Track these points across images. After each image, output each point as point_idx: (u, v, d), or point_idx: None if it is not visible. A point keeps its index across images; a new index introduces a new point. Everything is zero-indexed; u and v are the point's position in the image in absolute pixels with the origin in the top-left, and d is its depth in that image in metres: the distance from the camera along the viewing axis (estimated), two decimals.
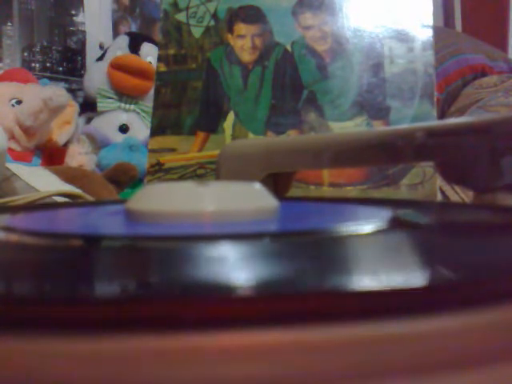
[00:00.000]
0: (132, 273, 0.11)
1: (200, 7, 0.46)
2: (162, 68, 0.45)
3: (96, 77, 1.01)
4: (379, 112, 0.41)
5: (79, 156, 0.90)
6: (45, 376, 0.08)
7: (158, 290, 0.09)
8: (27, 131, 0.84)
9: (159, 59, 0.45)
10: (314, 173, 0.40)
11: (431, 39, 0.41)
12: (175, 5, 0.46)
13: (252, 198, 0.17)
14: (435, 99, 0.40)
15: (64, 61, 1.15)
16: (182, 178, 0.43)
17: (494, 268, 0.11)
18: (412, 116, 0.40)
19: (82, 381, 0.08)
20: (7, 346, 0.09)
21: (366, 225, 0.15)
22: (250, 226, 0.15)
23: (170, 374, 0.08)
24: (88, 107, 1.02)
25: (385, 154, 0.26)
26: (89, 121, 1.02)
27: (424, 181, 0.39)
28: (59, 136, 0.91)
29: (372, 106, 0.41)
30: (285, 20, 0.44)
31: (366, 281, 0.10)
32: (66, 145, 0.93)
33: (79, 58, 1.17)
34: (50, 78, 1.07)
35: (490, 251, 0.13)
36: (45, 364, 0.08)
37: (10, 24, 1.09)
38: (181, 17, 0.46)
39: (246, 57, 0.44)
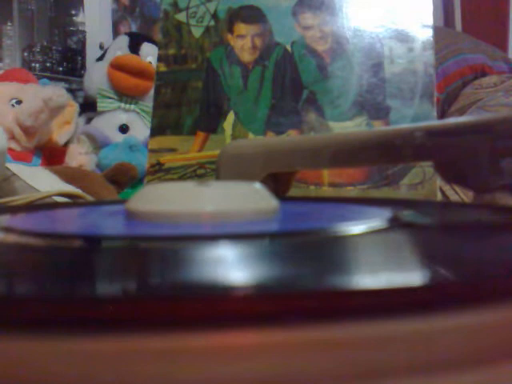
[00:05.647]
0: (132, 273, 0.11)
1: (200, 7, 0.46)
2: (162, 68, 0.45)
3: (96, 77, 1.01)
4: (379, 112, 0.41)
5: (79, 156, 0.90)
6: (45, 375, 0.08)
7: (157, 289, 0.09)
8: (27, 131, 0.84)
9: (159, 59, 0.45)
10: (313, 173, 0.40)
11: (431, 39, 0.41)
12: (175, 5, 0.46)
13: (252, 198, 0.17)
14: (435, 99, 0.40)
15: (64, 61, 1.15)
16: (181, 178, 0.43)
17: (494, 268, 0.11)
18: (412, 116, 0.40)
19: (82, 380, 0.08)
20: (7, 345, 0.09)
21: (365, 224, 0.15)
22: (250, 226, 0.15)
23: (169, 373, 0.08)
24: (88, 107, 1.02)
25: (385, 154, 0.26)
26: (89, 121, 1.02)
27: (424, 181, 0.39)
28: (59, 136, 0.91)
29: (372, 105, 0.41)
30: (285, 20, 0.44)
31: (365, 280, 0.10)
32: (66, 145, 0.93)
33: (79, 58, 1.17)
34: (50, 78, 1.07)
35: (490, 251, 0.13)
36: (45, 363, 0.08)
37: (9, 24, 1.09)
38: (181, 17, 0.46)
39: (246, 57, 0.44)
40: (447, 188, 0.50)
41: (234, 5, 0.45)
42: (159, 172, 0.43)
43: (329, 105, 0.41)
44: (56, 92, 0.83)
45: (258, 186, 0.18)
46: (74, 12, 1.18)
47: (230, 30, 0.45)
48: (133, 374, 0.08)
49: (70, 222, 0.21)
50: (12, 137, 0.84)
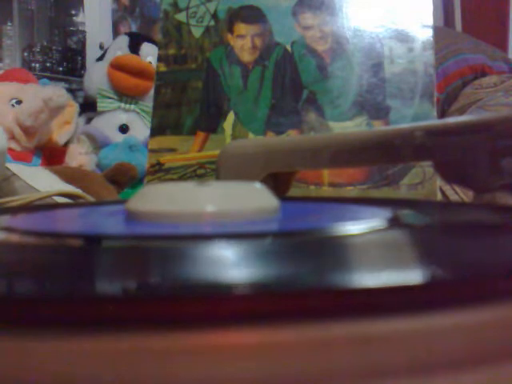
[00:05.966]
0: (132, 272, 0.11)
1: (200, 7, 0.46)
2: (162, 68, 0.45)
3: (96, 77, 1.01)
4: (379, 112, 0.41)
5: (79, 156, 0.90)
6: (45, 375, 0.08)
7: (157, 289, 0.09)
8: (27, 131, 0.84)
9: (159, 59, 0.45)
10: (313, 173, 0.40)
11: (431, 39, 0.41)
12: (175, 5, 0.46)
13: (252, 198, 0.17)
14: (435, 99, 0.40)
15: (64, 61, 1.15)
16: (181, 178, 0.43)
17: (494, 267, 0.11)
18: (412, 116, 0.40)
19: (82, 380, 0.08)
20: (7, 345, 0.09)
21: (365, 224, 0.15)
22: (251, 226, 0.15)
23: (169, 373, 0.08)
24: (88, 107, 1.02)
25: (385, 154, 0.26)
26: (89, 121, 1.02)
27: (424, 181, 0.39)
28: (59, 136, 0.91)
29: (372, 106, 0.41)
30: (285, 20, 0.44)
31: (365, 279, 0.10)
32: (66, 145, 0.93)
33: (79, 58, 1.17)
34: (50, 78, 1.07)
35: (490, 251, 0.13)
36: (45, 363, 0.08)
37: (9, 24, 1.09)
38: (181, 17, 0.46)
39: (246, 57, 0.44)
40: (447, 188, 0.50)
41: (234, 5, 0.45)
42: (159, 172, 0.43)
43: (329, 105, 0.41)
44: (56, 92, 0.83)
45: (258, 185, 0.18)
46: (74, 12, 1.18)
47: (230, 30, 0.45)
48: (133, 373, 0.08)
49: (70, 221, 0.21)
50: (12, 137, 0.84)
